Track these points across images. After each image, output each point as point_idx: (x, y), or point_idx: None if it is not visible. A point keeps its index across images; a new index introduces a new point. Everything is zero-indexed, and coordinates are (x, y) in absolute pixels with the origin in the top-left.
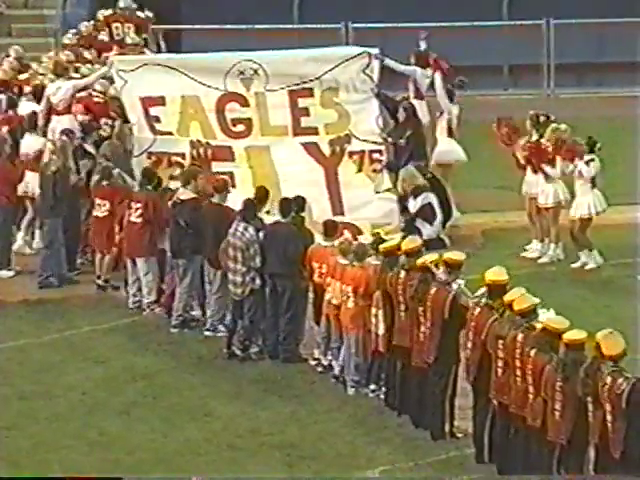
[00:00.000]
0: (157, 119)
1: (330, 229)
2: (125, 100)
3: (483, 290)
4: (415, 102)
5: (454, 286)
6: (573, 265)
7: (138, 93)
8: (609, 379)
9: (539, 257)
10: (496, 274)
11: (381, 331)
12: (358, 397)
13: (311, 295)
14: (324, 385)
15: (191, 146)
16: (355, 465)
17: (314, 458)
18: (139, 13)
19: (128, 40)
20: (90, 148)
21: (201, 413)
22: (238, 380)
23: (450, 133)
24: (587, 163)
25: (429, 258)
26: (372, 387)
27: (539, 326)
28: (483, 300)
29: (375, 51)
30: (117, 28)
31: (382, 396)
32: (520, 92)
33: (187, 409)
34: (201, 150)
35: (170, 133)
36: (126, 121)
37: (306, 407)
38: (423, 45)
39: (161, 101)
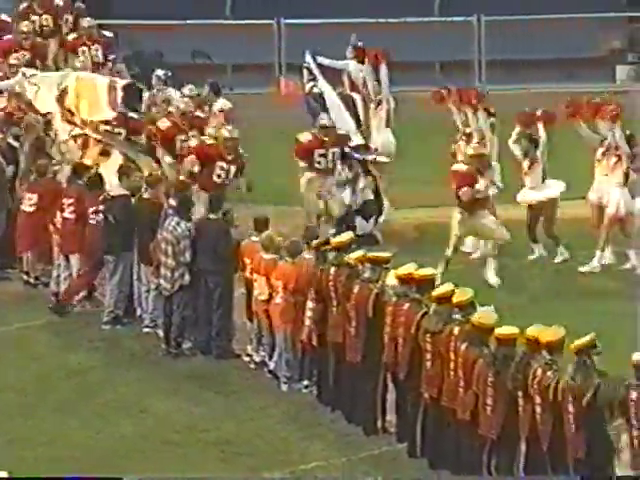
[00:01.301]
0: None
1: (260, 224)
2: (39, 103)
3: (394, 283)
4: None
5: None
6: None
7: (53, 93)
8: (539, 371)
9: (473, 252)
10: (415, 269)
11: (314, 326)
12: (292, 393)
13: (243, 291)
14: (258, 381)
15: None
16: (289, 461)
17: (249, 454)
18: (106, 33)
19: None
20: (13, 142)
21: (136, 409)
22: (173, 376)
23: (388, 124)
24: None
25: (354, 255)
26: (305, 382)
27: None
28: (392, 292)
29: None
30: (84, 52)
31: (315, 392)
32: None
33: (122, 406)
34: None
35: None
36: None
37: (241, 403)
38: (359, 41)
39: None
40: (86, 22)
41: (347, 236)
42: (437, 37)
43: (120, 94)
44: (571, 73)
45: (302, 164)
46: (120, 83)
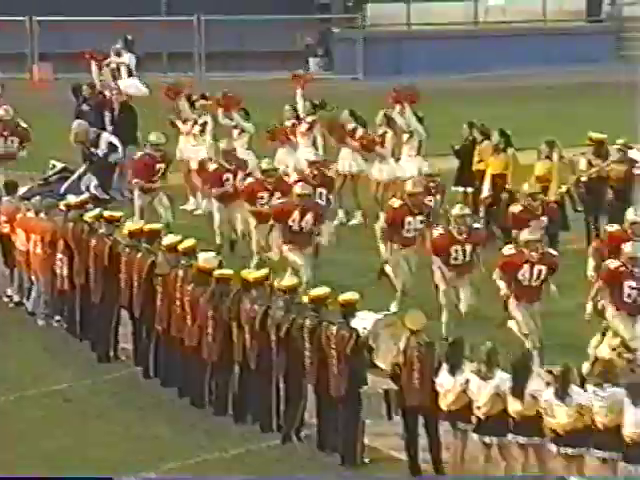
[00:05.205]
0: None
1: (10, 187)
2: None
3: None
4: (129, 81)
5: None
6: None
7: None
8: (248, 306)
9: (195, 209)
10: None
11: (65, 272)
12: (46, 327)
13: None
14: (17, 318)
15: None
16: (42, 383)
17: (10, 380)
18: (23, 124)
19: None
20: None
21: None
22: None
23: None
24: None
25: (91, 214)
26: (57, 318)
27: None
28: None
29: None
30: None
31: (64, 325)
32: (177, 75)
33: None
34: None
35: None
36: None
37: (2, 337)
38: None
39: None
40: (3, 110)
41: (82, 197)
42: (165, 32)
43: None
44: (274, 64)
45: None
46: None
